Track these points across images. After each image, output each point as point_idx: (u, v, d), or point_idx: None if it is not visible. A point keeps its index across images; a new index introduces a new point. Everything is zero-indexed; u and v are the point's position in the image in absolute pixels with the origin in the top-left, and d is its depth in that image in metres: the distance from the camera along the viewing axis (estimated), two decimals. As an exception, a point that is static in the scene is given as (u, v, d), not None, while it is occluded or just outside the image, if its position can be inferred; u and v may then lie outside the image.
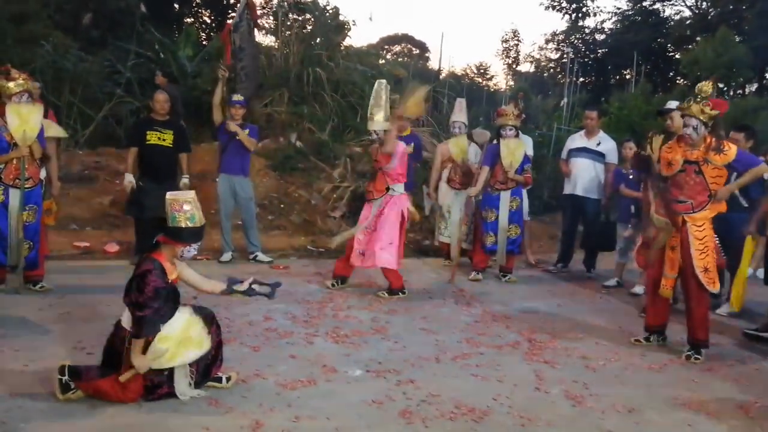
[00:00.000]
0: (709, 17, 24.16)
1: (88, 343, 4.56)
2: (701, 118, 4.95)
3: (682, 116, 5.10)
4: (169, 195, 3.80)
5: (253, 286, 4.13)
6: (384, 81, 6.63)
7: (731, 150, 4.96)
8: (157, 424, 3.55)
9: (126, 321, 3.74)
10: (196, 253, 3.97)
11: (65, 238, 7.84)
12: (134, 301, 3.65)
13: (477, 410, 3.96)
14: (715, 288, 5.12)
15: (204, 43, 14.98)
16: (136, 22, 12.51)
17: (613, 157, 7.83)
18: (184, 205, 3.78)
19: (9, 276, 5.89)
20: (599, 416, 4.01)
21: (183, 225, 3.77)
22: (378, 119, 6.43)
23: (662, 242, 5.21)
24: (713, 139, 4.99)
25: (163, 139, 6.97)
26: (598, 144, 7.88)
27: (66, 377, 3.70)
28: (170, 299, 3.78)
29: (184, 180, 7.09)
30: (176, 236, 3.78)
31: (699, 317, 5.16)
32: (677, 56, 24.22)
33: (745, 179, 5.15)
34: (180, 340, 3.74)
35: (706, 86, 5.04)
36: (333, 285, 6.68)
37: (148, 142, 6.96)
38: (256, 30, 10.38)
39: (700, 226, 5.05)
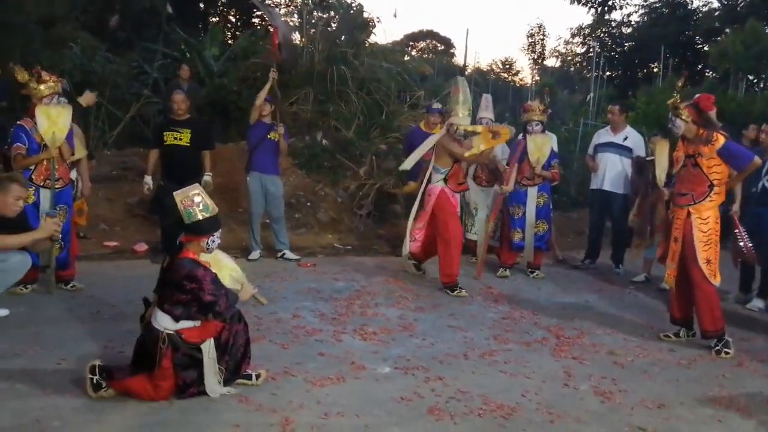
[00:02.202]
0: (738, 8, 23.73)
1: (119, 342, 4.63)
2: (673, 112, 5.17)
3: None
4: (175, 195, 3.84)
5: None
6: (463, 77, 6.86)
7: (719, 140, 5.05)
8: (187, 421, 3.59)
9: (159, 322, 3.79)
10: (219, 242, 4.02)
11: (95, 238, 7.95)
12: (204, 302, 3.74)
13: (505, 406, 3.96)
14: (716, 280, 5.13)
15: (230, 42, 15.07)
16: (162, 23, 12.62)
17: (640, 152, 7.75)
18: (194, 199, 3.85)
19: (41, 276, 5.98)
20: (628, 412, 4.00)
21: (200, 217, 3.84)
22: (468, 115, 6.70)
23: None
24: (705, 132, 5.10)
25: (180, 139, 7.02)
26: (625, 139, 7.80)
27: (97, 377, 3.77)
28: (219, 281, 3.87)
29: (206, 178, 7.13)
30: (197, 230, 3.85)
31: (704, 308, 5.16)
32: (706, 49, 23.86)
33: (741, 175, 5.30)
34: (215, 266, 3.98)
35: (679, 81, 5.43)
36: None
37: (165, 143, 7.03)
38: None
39: (705, 219, 5.10)
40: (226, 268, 4.06)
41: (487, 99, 8.31)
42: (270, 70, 7.65)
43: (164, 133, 7.07)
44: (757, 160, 5.16)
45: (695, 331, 5.40)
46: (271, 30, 9.34)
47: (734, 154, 5.08)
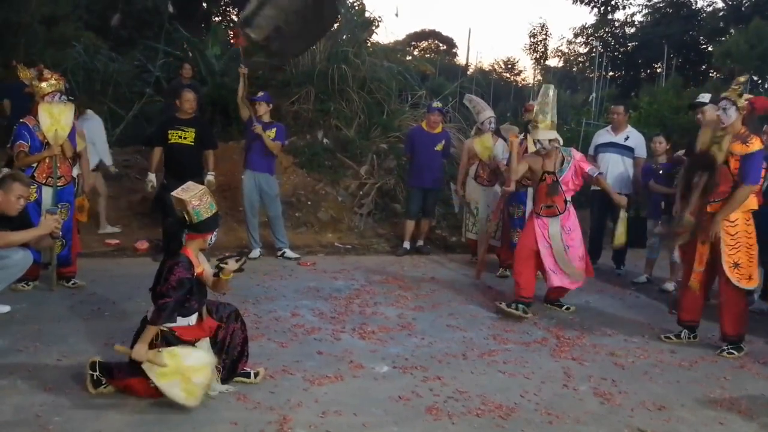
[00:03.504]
0: (743, 8, 23.71)
1: (119, 339, 4.61)
2: (732, 98, 4.97)
3: (720, 100, 5.09)
4: (181, 195, 3.82)
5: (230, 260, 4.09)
6: (552, 86, 6.07)
7: (754, 144, 4.93)
8: (185, 418, 3.60)
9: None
10: (215, 238, 4.05)
11: (97, 236, 7.97)
12: (158, 290, 3.72)
13: (504, 407, 3.96)
14: (746, 284, 5.05)
15: (232, 41, 15.08)
16: (165, 22, 12.63)
17: (641, 152, 7.73)
18: (202, 198, 3.86)
19: (42, 273, 5.99)
20: (628, 414, 3.99)
21: (207, 215, 3.86)
22: (543, 127, 5.90)
23: (684, 240, 5.26)
24: (746, 130, 5.01)
25: (184, 138, 7.01)
26: (626, 139, 7.77)
27: (97, 373, 3.79)
28: (195, 291, 3.84)
29: (209, 177, 7.15)
30: (204, 228, 3.87)
31: (728, 313, 5.12)
32: (709, 49, 23.83)
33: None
34: (183, 372, 3.67)
35: (742, 78, 5.18)
36: (518, 308, 5.88)
37: (169, 141, 7.01)
38: None
39: (733, 222, 5.00)
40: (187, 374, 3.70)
41: (473, 99, 8.31)
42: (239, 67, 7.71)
43: (169, 131, 7.04)
44: (755, 187, 5.00)
45: (697, 334, 5.40)
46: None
47: (749, 168, 4.92)
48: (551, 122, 5.91)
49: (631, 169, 7.67)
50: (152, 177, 7.16)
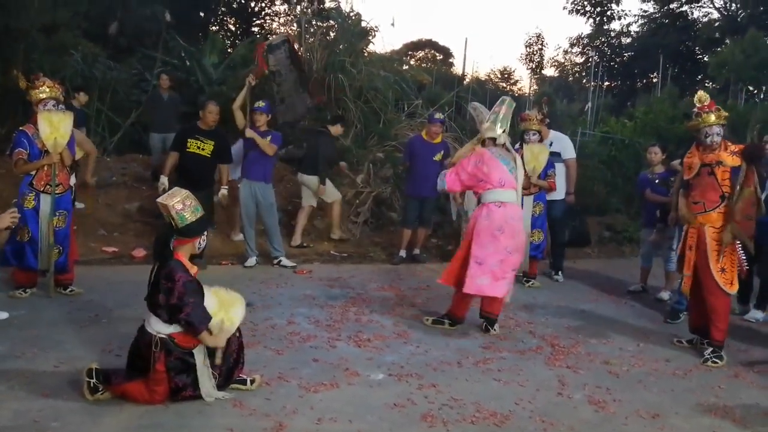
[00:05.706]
0: (739, 19, 23.85)
1: (116, 346, 4.66)
2: (721, 122, 5.18)
3: (701, 129, 5.21)
4: (164, 201, 3.87)
5: None
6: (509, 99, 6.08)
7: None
8: (182, 424, 3.62)
9: (152, 326, 3.82)
10: (206, 242, 4.09)
11: (94, 243, 7.98)
12: (169, 304, 3.74)
13: (499, 414, 3.98)
14: (731, 289, 5.16)
15: (229, 50, 15.13)
16: (162, 31, 12.66)
17: (569, 153, 7.74)
18: (184, 202, 3.89)
19: (40, 280, 6.00)
20: (622, 422, 4.02)
21: (192, 219, 3.89)
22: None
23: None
24: (726, 142, 5.20)
25: (203, 149, 7.06)
26: (550, 144, 7.76)
27: (94, 380, 3.80)
28: (198, 292, 3.88)
29: (223, 191, 7.22)
30: (190, 232, 3.90)
31: (716, 318, 5.18)
32: (705, 59, 23.95)
33: None
34: (220, 305, 3.93)
35: (702, 96, 5.31)
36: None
37: (187, 150, 7.05)
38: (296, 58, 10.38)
39: (718, 229, 5.14)
40: (228, 311, 3.99)
41: (478, 107, 8.32)
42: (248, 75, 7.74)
43: (188, 140, 7.08)
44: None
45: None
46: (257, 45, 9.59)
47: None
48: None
49: (563, 173, 7.68)
50: (164, 180, 7.16)
